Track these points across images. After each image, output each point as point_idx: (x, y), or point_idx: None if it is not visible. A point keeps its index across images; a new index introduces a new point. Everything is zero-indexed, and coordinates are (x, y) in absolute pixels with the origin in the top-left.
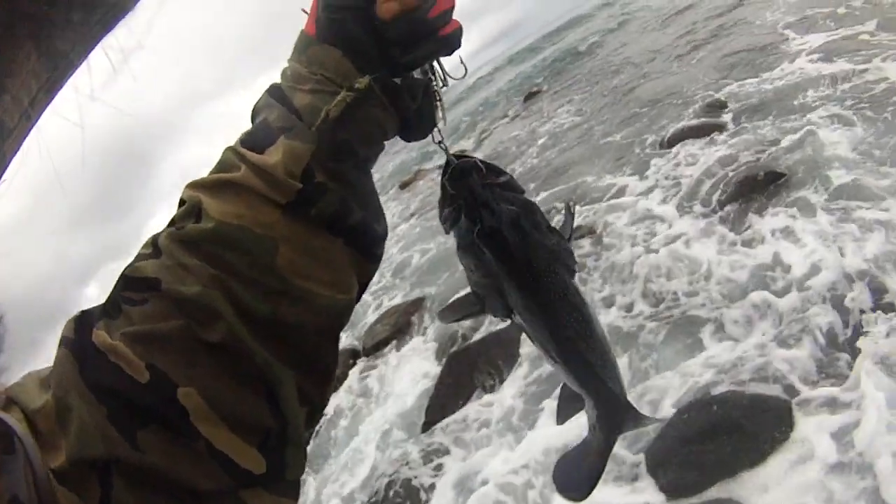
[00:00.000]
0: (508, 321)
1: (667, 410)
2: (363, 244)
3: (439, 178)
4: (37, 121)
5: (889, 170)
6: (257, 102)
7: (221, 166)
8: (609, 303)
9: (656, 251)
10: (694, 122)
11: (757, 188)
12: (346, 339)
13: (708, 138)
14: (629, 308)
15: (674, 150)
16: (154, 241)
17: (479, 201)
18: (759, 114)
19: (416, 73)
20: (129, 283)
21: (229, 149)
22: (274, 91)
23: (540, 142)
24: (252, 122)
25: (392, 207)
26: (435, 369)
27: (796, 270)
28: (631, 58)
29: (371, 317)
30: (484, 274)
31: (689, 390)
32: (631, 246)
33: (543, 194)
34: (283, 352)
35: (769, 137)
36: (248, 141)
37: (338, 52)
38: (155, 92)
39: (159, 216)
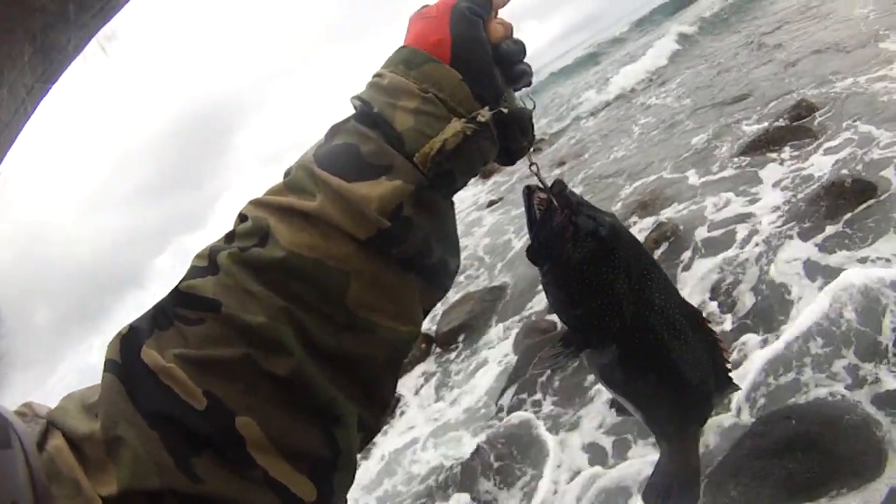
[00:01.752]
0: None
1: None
2: (436, 280)
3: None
4: (33, 113)
5: None
6: (338, 124)
7: (292, 186)
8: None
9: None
10: (779, 124)
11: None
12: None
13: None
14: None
15: (749, 157)
16: (211, 256)
17: (587, 214)
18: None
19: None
20: (184, 299)
21: (302, 168)
22: (365, 112)
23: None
24: (329, 138)
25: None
26: (511, 359)
27: None
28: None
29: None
30: (590, 296)
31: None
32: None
33: (627, 189)
34: (347, 386)
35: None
36: (329, 164)
37: (457, 75)
38: (233, 66)
39: (233, 189)
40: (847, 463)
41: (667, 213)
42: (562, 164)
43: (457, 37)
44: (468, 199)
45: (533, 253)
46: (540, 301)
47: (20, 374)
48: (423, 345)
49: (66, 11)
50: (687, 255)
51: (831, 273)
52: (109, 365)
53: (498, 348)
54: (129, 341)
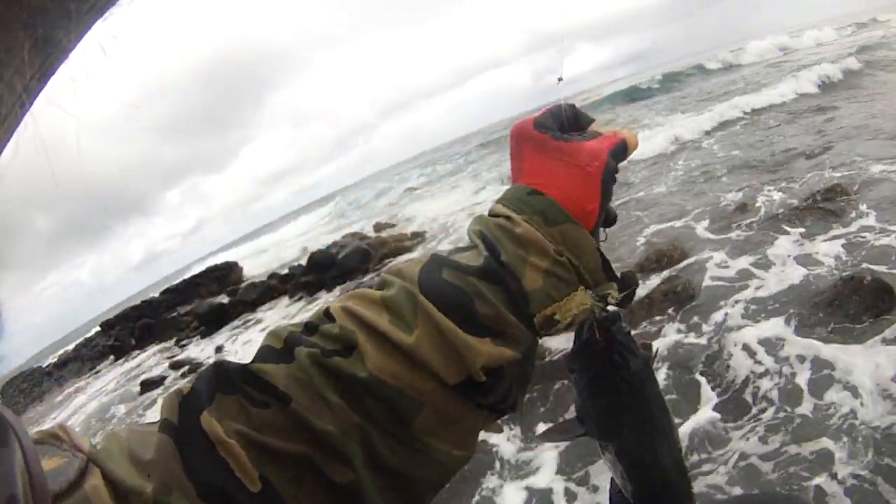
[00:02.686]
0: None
1: None
2: (501, 414)
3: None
4: (29, 107)
5: None
6: (454, 260)
7: (390, 305)
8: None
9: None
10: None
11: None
12: None
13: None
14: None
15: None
16: (288, 343)
17: (624, 345)
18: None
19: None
20: (253, 380)
21: (405, 290)
22: (492, 262)
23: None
24: (438, 266)
25: None
26: None
27: None
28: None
29: None
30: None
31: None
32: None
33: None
34: (394, 500)
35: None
36: (440, 301)
37: (594, 242)
38: (282, 26)
39: (257, 141)
40: None
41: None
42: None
43: (603, 203)
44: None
45: (568, 361)
46: None
47: (8, 273)
48: None
49: (65, 5)
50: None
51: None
52: (166, 426)
53: None
54: (190, 404)
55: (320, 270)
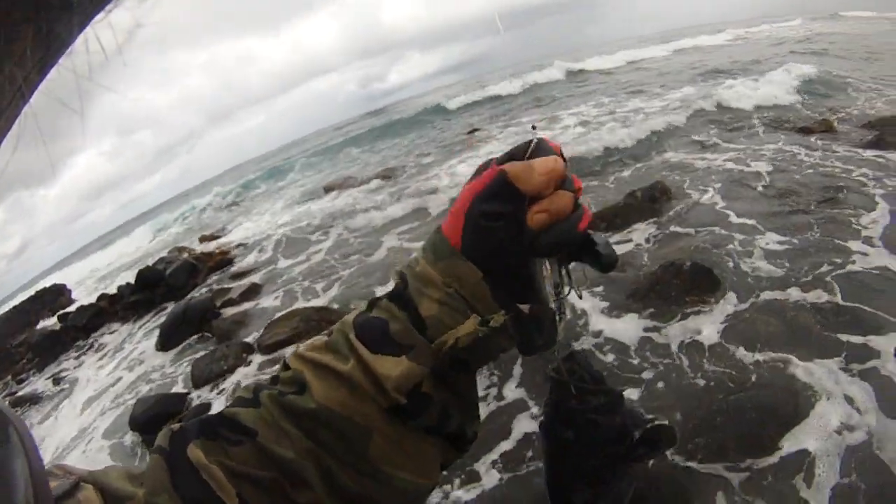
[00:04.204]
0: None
1: None
2: (454, 445)
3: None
4: (29, 99)
5: None
6: (379, 298)
7: (331, 346)
8: None
9: None
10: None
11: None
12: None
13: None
14: None
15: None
16: (255, 392)
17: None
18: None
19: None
20: (227, 423)
21: (341, 333)
22: (399, 291)
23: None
24: (369, 308)
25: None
26: None
27: None
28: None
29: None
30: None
31: None
32: None
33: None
34: None
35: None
36: (362, 333)
37: (479, 273)
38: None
39: (84, 152)
40: None
41: None
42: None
43: (474, 223)
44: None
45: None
46: None
47: None
48: (243, 353)
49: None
50: None
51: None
52: (158, 449)
53: None
54: (179, 437)
55: (149, 288)
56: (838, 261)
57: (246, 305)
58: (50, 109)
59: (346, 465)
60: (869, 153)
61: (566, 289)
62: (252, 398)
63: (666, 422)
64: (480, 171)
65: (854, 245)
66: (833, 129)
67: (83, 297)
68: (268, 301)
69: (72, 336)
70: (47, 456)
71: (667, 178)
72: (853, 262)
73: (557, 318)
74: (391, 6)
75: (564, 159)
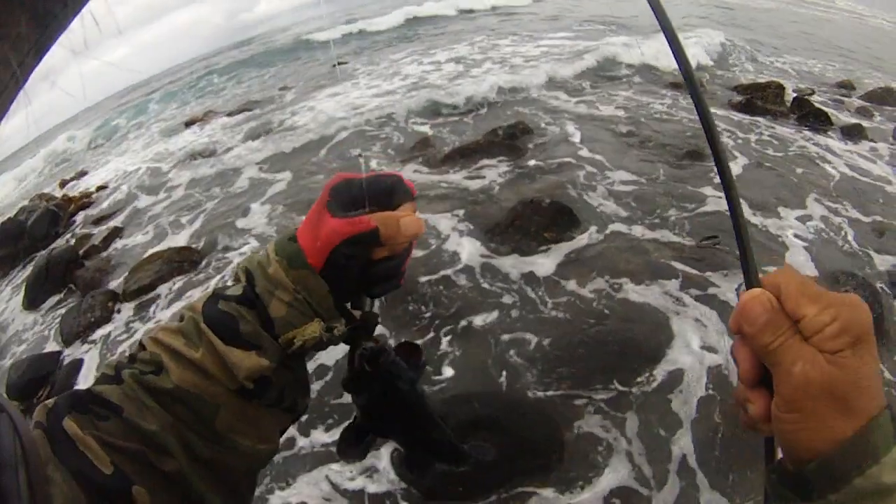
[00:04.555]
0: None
1: None
2: (290, 413)
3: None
4: (25, 83)
5: None
6: (225, 294)
7: (184, 332)
8: None
9: None
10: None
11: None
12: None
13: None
14: None
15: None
16: (117, 369)
17: (391, 373)
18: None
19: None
20: (95, 399)
21: (192, 320)
22: (248, 292)
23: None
24: (215, 300)
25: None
26: None
27: None
28: None
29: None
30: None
31: None
32: None
33: None
34: (215, 485)
35: None
36: (213, 324)
37: (326, 287)
38: None
39: None
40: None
41: None
42: None
43: (328, 269)
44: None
45: (344, 384)
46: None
47: None
48: (109, 303)
49: None
50: None
51: None
52: (38, 425)
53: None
54: (53, 413)
55: (11, 241)
56: (689, 205)
57: (110, 251)
58: None
59: (199, 435)
60: (736, 114)
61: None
62: (115, 375)
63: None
64: (338, 192)
65: (706, 191)
66: (703, 87)
67: None
68: (132, 242)
69: None
70: None
71: (528, 118)
72: (705, 206)
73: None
74: None
75: (413, 195)
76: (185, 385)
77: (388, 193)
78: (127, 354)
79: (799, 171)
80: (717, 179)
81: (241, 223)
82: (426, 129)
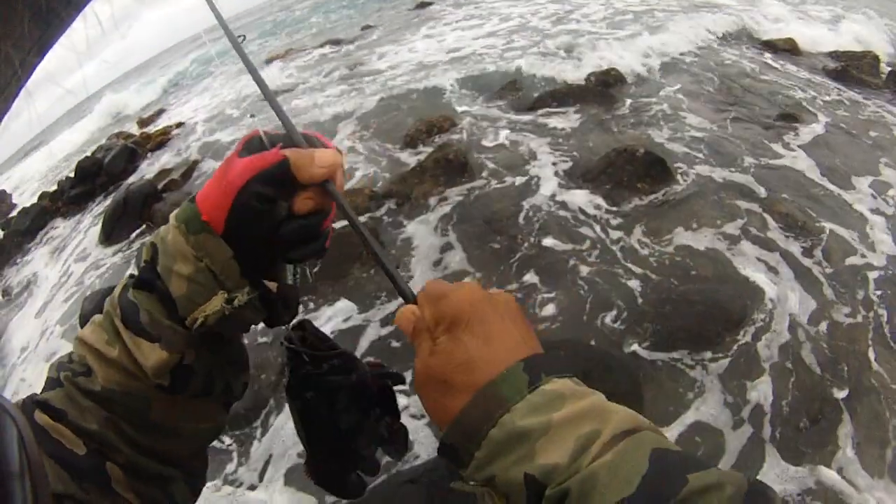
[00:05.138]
0: None
1: None
2: (225, 397)
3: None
4: (27, 81)
5: None
6: (129, 280)
7: (105, 328)
8: None
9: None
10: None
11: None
12: None
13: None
14: None
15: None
16: (57, 371)
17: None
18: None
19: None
20: (43, 406)
21: (108, 316)
22: (145, 274)
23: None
24: (125, 289)
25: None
26: None
27: None
28: None
29: None
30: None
31: None
32: None
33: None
34: (168, 464)
35: None
36: (124, 318)
37: (230, 252)
38: None
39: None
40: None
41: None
42: None
43: (233, 219)
44: None
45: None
46: None
47: None
48: None
49: None
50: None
51: None
52: None
53: None
54: (26, 406)
55: (89, 179)
56: (773, 162)
57: (190, 184)
58: None
59: (137, 428)
60: (829, 81)
61: (299, 271)
62: (56, 378)
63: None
64: (252, 145)
65: (798, 154)
66: (797, 50)
67: (27, 199)
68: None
69: (16, 242)
70: (12, 360)
71: (622, 65)
72: (795, 166)
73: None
74: None
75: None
76: (110, 385)
77: (310, 144)
78: (65, 355)
79: (881, 139)
80: (802, 140)
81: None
82: (518, 70)
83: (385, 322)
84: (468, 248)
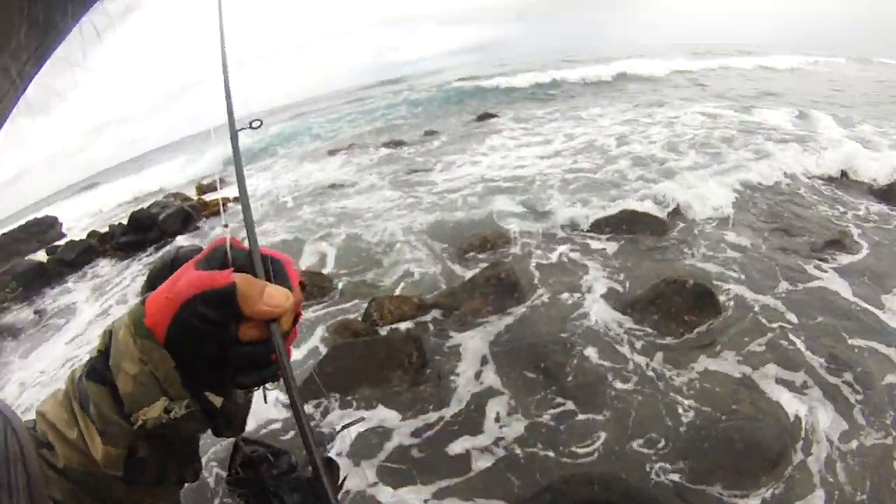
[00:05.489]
0: None
1: None
2: (178, 486)
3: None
4: (24, 91)
5: None
6: (85, 369)
7: (64, 406)
8: None
9: None
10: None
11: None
12: None
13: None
14: None
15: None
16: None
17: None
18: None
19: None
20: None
21: (67, 396)
22: (101, 363)
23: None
24: (81, 378)
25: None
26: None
27: None
28: None
29: None
30: None
31: None
32: None
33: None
34: None
35: None
36: (83, 402)
37: (172, 362)
38: None
39: (89, 83)
40: None
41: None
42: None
43: (174, 332)
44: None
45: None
46: (358, 306)
47: None
48: None
49: None
50: (521, 304)
51: None
52: None
53: (300, 340)
54: None
55: (141, 230)
56: (813, 287)
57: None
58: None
59: (100, 500)
60: (880, 204)
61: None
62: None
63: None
64: (214, 255)
65: (842, 287)
66: (850, 174)
67: (75, 233)
68: None
69: (58, 270)
70: (30, 379)
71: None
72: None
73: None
74: None
75: (303, 286)
76: (71, 464)
77: (268, 273)
78: (30, 421)
79: None
80: (845, 264)
81: (373, 272)
82: (574, 192)
83: (416, 433)
84: (508, 369)
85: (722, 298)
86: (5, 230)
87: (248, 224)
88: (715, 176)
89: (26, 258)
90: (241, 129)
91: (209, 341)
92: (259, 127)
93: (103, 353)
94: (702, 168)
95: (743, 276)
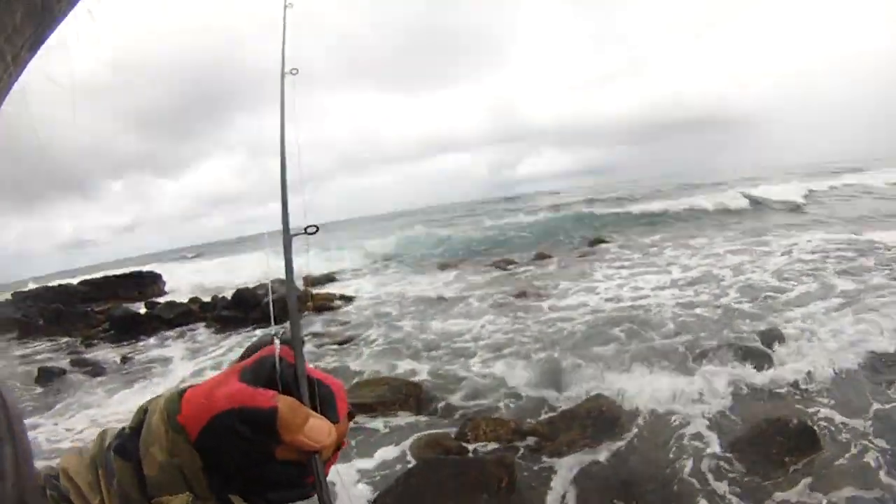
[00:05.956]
0: None
1: None
2: None
3: None
4: (18, 76)
5: None
6: (115, 440)
7: (89, 468)
8: None
9: None
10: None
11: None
12: None
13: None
14: None
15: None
16: (44, 481)
17: None
18: None
19: None
20: None
21: (95, 460)
22: (130, 440)
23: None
24: (110, 442)
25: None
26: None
27: None
28: None
29: None
30: None
31: None
32: None
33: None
34: None
35: None
36: (108, 472)
37: (200, 463)
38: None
39: (212, 160)
40: None
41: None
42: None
43: (205, 438)
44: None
45: None
46: (452, 423)
47: None
48: None
49: None
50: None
51: None
52: None
53: (391, 444)
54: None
55: (243, 308)
56: None
57: (338, 356)
58: (194, 109)
59: None
60: None
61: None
62: (44, 489)
63: None
64: (263, 366)
65: None
66: None
67: (177, 295)
68: (362, 355)
69: (153, 325)
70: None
71: (785, 329)
72: None
73: None
74: (531, 96)
75: (352, 416)
76: None
77: (314, 398)
78: (54, 470)
79: None
80: None
81: (470, 392)
82: (683, 327)
83: None
84: None
85: (823, 433)
86: (109, 273)
87: (296, 343)
88: (818, 310)
89: (124, 305)
90: (295, 235)
91: (237, 454)
92: (315, 233)
93: (135, 431)
94: (814, 301)
95: (848, 421)
